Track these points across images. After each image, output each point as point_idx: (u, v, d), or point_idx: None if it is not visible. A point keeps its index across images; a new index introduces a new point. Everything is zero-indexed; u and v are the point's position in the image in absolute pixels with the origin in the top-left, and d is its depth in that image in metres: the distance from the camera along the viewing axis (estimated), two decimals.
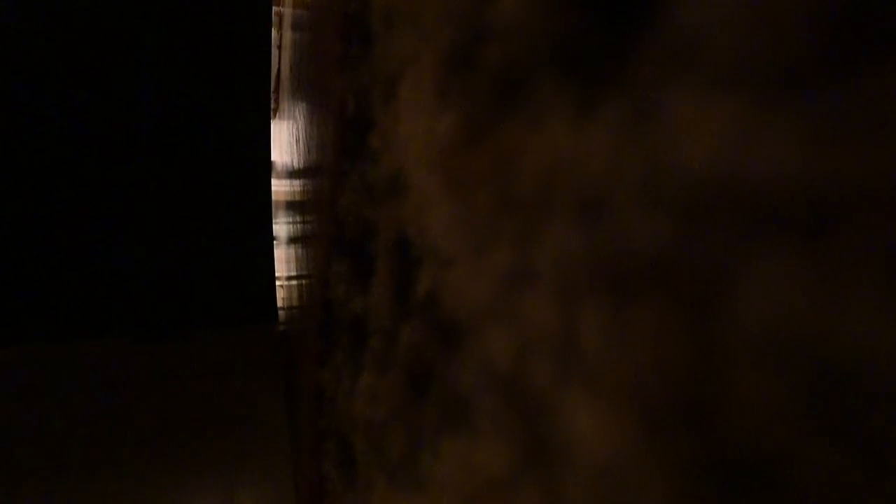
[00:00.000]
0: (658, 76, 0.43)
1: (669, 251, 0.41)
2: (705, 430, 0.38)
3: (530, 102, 0.61)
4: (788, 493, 0.33)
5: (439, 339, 0.87)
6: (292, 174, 4.08)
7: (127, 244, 6.07)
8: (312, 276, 2.67)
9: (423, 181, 0.93)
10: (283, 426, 4.94)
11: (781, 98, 0.34)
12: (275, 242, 6.31)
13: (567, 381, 0.53)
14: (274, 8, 5.73)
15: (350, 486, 1.56)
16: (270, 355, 5.75)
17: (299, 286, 3.63)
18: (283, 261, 5.42)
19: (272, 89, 6.15)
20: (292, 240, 4.23)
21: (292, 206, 4.22)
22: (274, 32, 5.94)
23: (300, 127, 3.37)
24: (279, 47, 5.78)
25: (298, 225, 3.56)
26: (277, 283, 6.28)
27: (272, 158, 6.26)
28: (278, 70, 5.85)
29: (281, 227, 5.64)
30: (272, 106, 6.19)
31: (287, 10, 4.89)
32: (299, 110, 3.53)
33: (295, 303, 4.12)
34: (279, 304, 6.16)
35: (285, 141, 4.71)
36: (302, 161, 3.23)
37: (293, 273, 4.18)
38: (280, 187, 5.66)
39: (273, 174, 6.22)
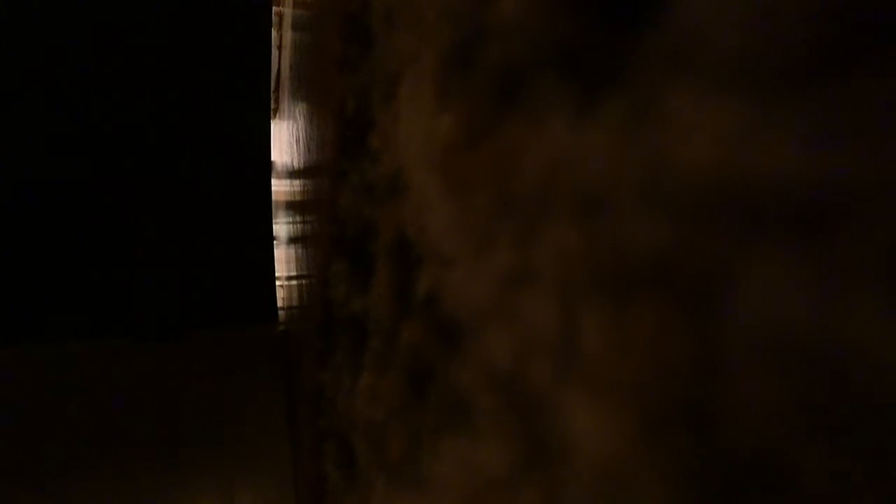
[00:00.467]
0: (658, 76, 0.43)
1: (669, 251, 0.41)
2: (705, 430, 0.38)
3: (530, 102, 0.61)
4: (788, 493, 0.33)
5: (439, 339, 0.87)
6: (292, 174, 4.08)
7: (127, 244, 6.07)
8: (312, 276, 2.67)
9: (423, 181, 0.93)
10: (283, 426, 4.94)
11: (781, 98, 0.34)
12: (275, 242, 6.31)
13: (567, 380, 0.53)
14: (274, 8, 5.73)
15: (350, 486, 1.56)
16: (270, 355, 5.75)
17: (299, 286, 3.63)
18: (283, 261, 5.42)
19: (272, 89, 6.15)
20: (292, 240, 4.23)
21: (292, 206, 4.22)
22: (274, 32, 5.95)
23: (300, 127, 3.37)
24: (279, 47, 5.78)
25: (298, 225, 3.56)
26: (277, 283, 6.28)
27: (272, 158, 6.26)
28: (278, 70, 5.85)
29: (281, 227, 5.64)
30: (272, 106, 6.19)
31: (287, 10, 4.89)
32: (299, 110, 3.53)
33: (295, 303, 4.12)
34: (279, 304, 6.16)
35: (285, 141, 4.71)
36: (302, 161, 3.23)
37: (293, 273, 4.18)
38: (280, 187, 5.66)
39: (273, 174, 6.22)
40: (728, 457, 0.36)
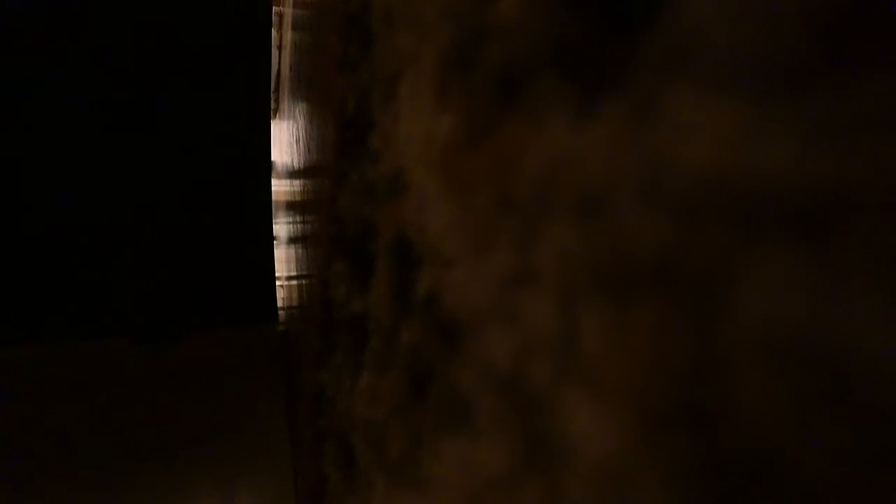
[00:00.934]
0: (658, 76, 0.43)
1: (669, 251, 0.41)
2: (705, 430, 0.38)
3: (530, 102, 0.61)
4: (788, 493, 0.33)
5: (439, 339, 0.87)
6: (292, 174, 4.08)
7: (127, 244, 6.07)
8: (312, 276, 2.67)
9: (423, 181, 0.93)
10: (283, 426, 4.94)
11: (781, 98, 0.34)
12: (275, 242, 6.31)
13: (567, 380, 0.53)
14: (274, 8, 5.73)
15: (350, 486, 1.56)
16: (270, 355, 5.75)
17: (299, 286, 3.63)
18: (283, 261, 5.42)
19: (272, 89, 6.15)
20: (292, 240, 4.23)
21: (292, 206, 4.22)
22: (274, 32, 5.95)
23: (300, 127, 3.37)
24: (279, 47, 5.78)
25: (298, 225, 3.56)
26: (277, 283, 6.28)
27: (272, 158, 6.26)
28: (278, 70, 5.85)
29: (281, 227, 5.64)
30: (272, 106, 6.19)
31: (287, 10, 4.89)
32: (299, 110, 3.53)
33: (295, 303, 4.12)
34: (279, 304, 6.16)
35: (285, 141, 4.71)
36: (302, 161, 3.23)
37: (293, 273, 4.18)
38: (280, 187, 5.66)
39: (273, 174, 6.22)
40: (728, 456, 0.36)
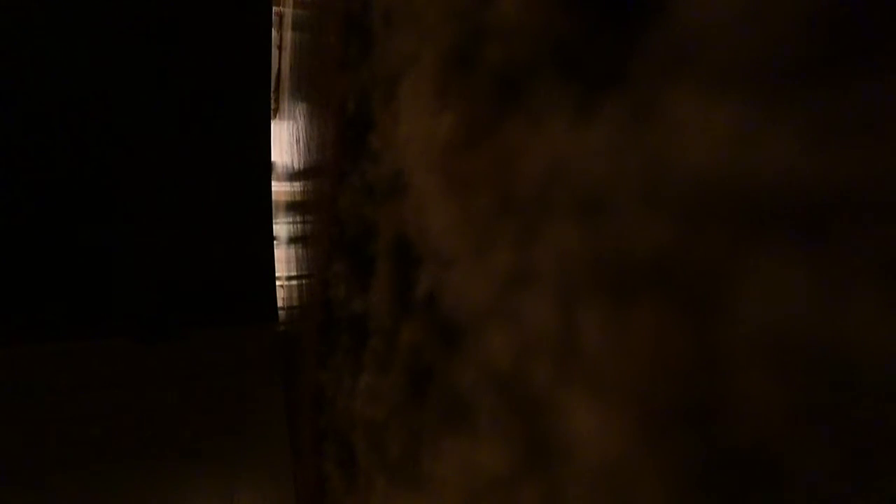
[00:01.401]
0: (658, 76, 0.43)
1: (670, 251, 0.41)
2: (705, 431, 0.38)
3: (530, 102, 0.61)
4: (789, 494, 0.33)
5: (439, 339, 0.87)
6: (292, 174, 4.08)
7: (127, 244, 6.07)
8: (312, 276, 2.67)
9: (423, 181, 0.93)
10: (283, 426, 4.94)
11: (781, 98, 0.34)
12: (275, 242, 6.31)
13: (567, 381, 0.53)
14: (274, 8, 5.73)
15: (350, 487, 1.56)
16: (270, 355, 5.75)
17: (299, 286, 3.63)
18: (283, 261, 5.42)
19: (272, 89, 6.15)
20: (292, 240, 4.23)
21: (292, 206, 4.22)
22: (274, 32, 5.95)
23: (300, 127, 3.37)
24: (279, 47, 5.78)
25: (298, 225, 3.56)
26: (277, 283, 6.28)
27: (272, 158, 6.26)
28: (278, 70, 5.85)
29: (281, 227, 5.64)
30: (272, 106, 6.19)
31: (287, 10, 4.89)
32: (299, 110, 3.53)
33: (295, 303, 4.12)
34: (279, 304, 6.16)
35: (285, 141, 4.71)
36: (302, 161, 3.23)
37: (293, 273, 4.18)
38: (280, 187, 5.66)
39: (273, 174, 6.22)
40: (729, 457, 0.36)
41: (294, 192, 4.00)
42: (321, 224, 2.26)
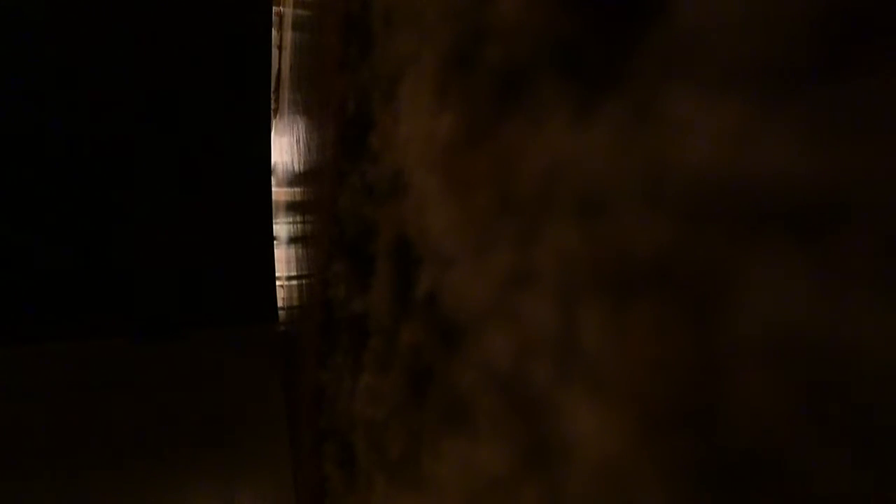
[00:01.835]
0: (658, 76, 0.43)
1: (670, 251, 0.41)
2: (706, 431, 0.38)
3: (530, 102, 0.61)
4: (789, 495, 0.33)
5: (439, 339, 0.87)
6: (292, 174, 4.08)
7: (127, 244, 6.07)
8: (312, 276, 2.67)
9: (423, 181, 0.93)
10: (283, 426, 4.94)
11: (782, 98, 0.34)
12: (275, 242, 6.31)
13: (567, 381, 0.53)
14: (274, 8, 5.73)
15: (350, 487, 1.56)
16: (270, 355, 5.75)
17: (299, 286, 3.63)
18: (283, 261, 5.42)
19: (272, 89, 6.15)
20: (292, 240, 4.23)
21: (292, 206, 4.22)
22: (274, 32, 5.95)
23: (300, 127, 3.37)
24: (279, 47, 5.78)
25: (298, 225, 3.56)
26: (277, 283, 6.28)
27: (272, 158, 6.26)
28: (278, 70, 5.85)
29: (281, 227, 5.64)
30: (272, 106, 6.19)
31: (287, 10, 4.88)
32: (299, 110, 3.53)
33: (295, 303, 4.12)
34: (279, 304, 6.16)
35: (285, 141, 4.71)
36: (302, 161, 3.23)
37: (293, 273, 4.18)
38: (280, 187, 5.66)
39: (273, 174, 6.22)
40: (729, 457, 0.36)
41: (294, 191, 4.00)
42: (321, 224, 2.26)
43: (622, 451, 0.45)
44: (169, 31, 5.56)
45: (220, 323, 6.34)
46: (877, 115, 0.29)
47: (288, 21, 4.83)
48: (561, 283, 0.55)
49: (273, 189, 6.23)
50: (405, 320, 1.04)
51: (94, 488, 4.80)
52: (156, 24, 5.51)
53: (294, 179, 3.96)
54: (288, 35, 4.85)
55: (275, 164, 6.13)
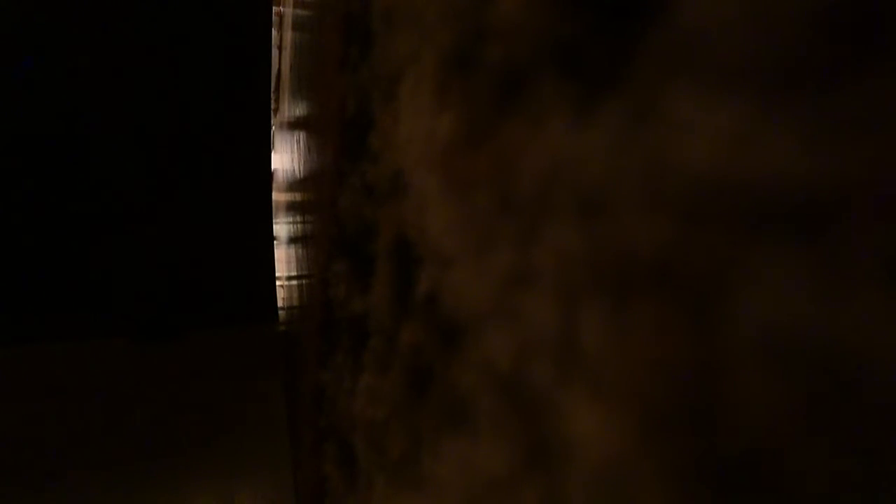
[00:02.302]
0: (659, 76, 0.43)
1: (670, 252, 0.41)
2: (706, 432, 0.38)
3: (531, 102, 0.61)
4: (789, 495, 0.33)
5: (439, 339, 0.87)
6: (292, 174, 4.08)
7: (127, 244, 6.07)
8: (312, 276, 2.67)
9: (423, 181, 0.93)
10: (283, 426, 4.94)
11: (783, 98, 0.34)
12: (275, 242, 6.31)
13: (568, 381, 0.53)
14: (274, 8, 5.73)
15: (350, 487, 1.56)
16: (270, 355, 5.75)
17: (299, 286, 3.63)
18: (283, 261, 5.42)
19: (272, 89, 6.15)
20: (292, 240, 4.23)
21: (292, 206, 4.22)
22: (274, 32, 5.95)
23: (300, 127, 3.37)
24: (279, 47, 5.78)
25: (298, 225, 3.56)
26: (277, 283, 6.28)
27: (272, 158, 6.26)
28: (278, 70, 5.85)
29: (281, 227, 5.64)
30: (272, 106, 6.19)
31: (287, 10, 4.88)
32: (299, 110, 3.53)
33: (295, 303, 4.12)
34: (279, 304, 6.16)
35: (285, 141, 4.71)
36: (302, 161, 3.23)
37: (293, 273, 4.18)
38: (280, 187, 5.66)
39: (273, 174, 6.23)
40: (729, 458, 0.36)
41: (294, 192, 4.00)
42: (321, 224, 2.26)
43: (622, 452, 0.45)
44: (169, 30, 5.56)
45: (220, 323, 6.34)
46: (877, 115, 0.29)
47: (288, 21, 4.83)
48: (561, 283, 0.55)
49: (273, 189, 6.23)
50: (405, 320, 1.04)
51: (94, 488, 4.80)
52: (156, 24, 5.51)
53: (294, 179, 3.96)
54: (288, 35, 4.85)
55: (275, 165, 6.14)
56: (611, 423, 0.46)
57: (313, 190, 2.63)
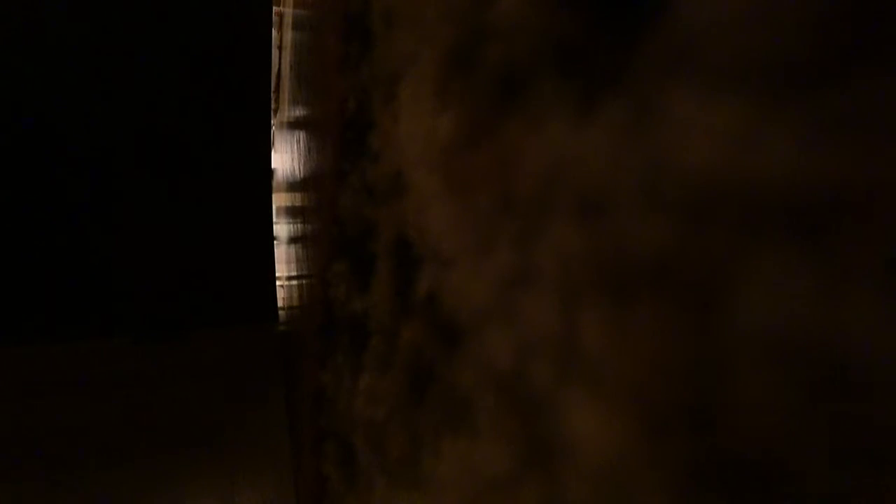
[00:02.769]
0: (659, 76, 0.43)
1: (670, 251, 0.41)
2: (705, 431, 0.38)
3: (530, 102, 0.61)
4: (788, 494, 0.33)
5: (439, 339, 0.87)
6: (292, 174, 4.08)
7: (127, 245, 6.07)
8: (312, 276, 2.67)
9: (423, 181, 0.93)
10: (282, 426, 4.94)
11: (782, 98, 0.34)
12: (275, 242, 6.31)
13: (567, 381, 0.53)
14: (274, 8, 5.73)
15: (350, 487, 1.56)
16: (270, 355, 5.75)
17: (299, 286, 3.63)
18: (283, 261, 5.42)
19: (272, 89, 6.14)
20: (292, 240, 4.23)
21: (292, 206, 4.22)
22: (274, 32, 5.95)
23: (300, 127, 3.37)
24: (279, 47, 5.78)
25: (298, 225, 3.56)
26: (277, 283, 6.28)
27: (272, 158, 6.26)
28: (278, 70, 5.85)
29: (281, 227, 5.64)
30: (272, 106, 6.19)
31: (287, 10, 4.88)
32: (299, 110, 3.53)
33: (295, 303, 4.12)
34: (279, 304, 6.16)
35: (285, 141, 4.71)
36: (302, 161, 3.23)
37: (293, 273, 4.18)
38: (280, 187, 5.66)
39: (273, 174, 6.22)
40: (729, 456, 0.36)
41: (294, 192, 4.00)
42: (321, 224, 2.26)
43: (622, 451, 0.45)
44: (169, 31, 5.56)
45: (220, 323, 6.34)
46: (877, 114, 0.29)
47: (288, 21, 4.83)
48: (561, 283, 0.55)
49: (273, 189, 6.23)
50: (405, 320, 1.04)
51: (94, 488, 4.80)
52: (156, 24, 5.51)
53: (294, 179, 3.96)
54: (288, 35, 4.85)
55: (275, 164, 6.13)
56: (610, 423, 0.46)
57: (313, 190, 2.63)
